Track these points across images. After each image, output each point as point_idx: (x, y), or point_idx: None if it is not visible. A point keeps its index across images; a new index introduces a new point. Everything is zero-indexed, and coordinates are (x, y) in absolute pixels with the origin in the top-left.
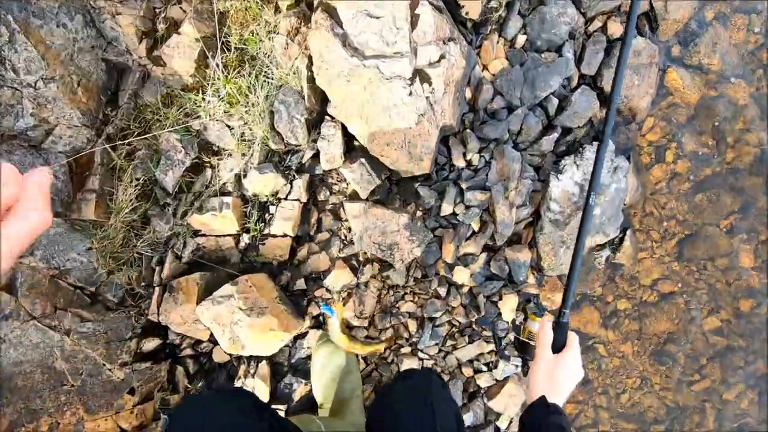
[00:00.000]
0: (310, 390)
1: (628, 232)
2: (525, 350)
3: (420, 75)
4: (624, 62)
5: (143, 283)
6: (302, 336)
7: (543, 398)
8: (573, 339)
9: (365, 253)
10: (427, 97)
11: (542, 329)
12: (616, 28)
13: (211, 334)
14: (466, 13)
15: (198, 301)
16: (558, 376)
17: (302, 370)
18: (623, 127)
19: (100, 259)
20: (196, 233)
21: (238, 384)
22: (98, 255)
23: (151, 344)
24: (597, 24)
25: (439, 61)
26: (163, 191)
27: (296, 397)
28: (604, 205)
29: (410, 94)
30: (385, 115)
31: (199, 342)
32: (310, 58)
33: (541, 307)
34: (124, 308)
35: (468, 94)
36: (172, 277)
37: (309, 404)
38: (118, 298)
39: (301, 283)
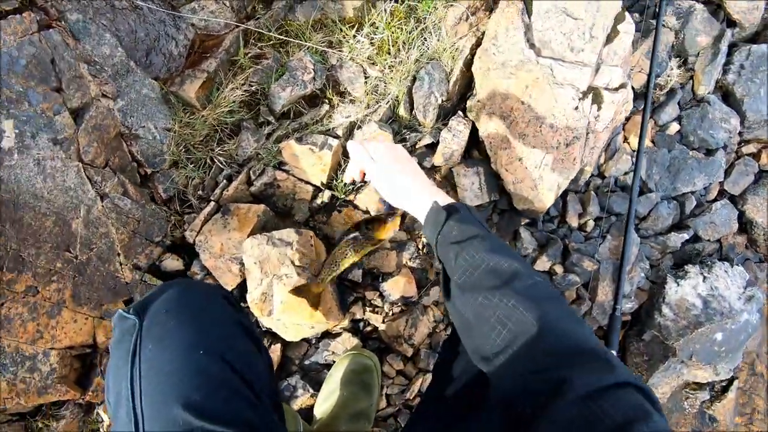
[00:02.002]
0: (313, 405)
1: (736, 383)
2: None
3: (594, 93)
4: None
5: (200, 193)
6: (332, 336)
7: (434, 205)
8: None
9: (438, 273)
10: (589, 122)
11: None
12: None
13: (239, 284)
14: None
15: (251, 234)
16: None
17: (312, 379)
18: (755, 263)
19: (174, 146)
20: (280, 165)
21: None
22: (174, 140)
23: (172, 263)
24: (751, 148)
25: (617, 89)
26: (268, 110)
27: (296, 405)
28: (728, 332)
29: (576, 108)
30: (536, 124)
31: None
32: (478, 40)
33: None
34: (167, 208)
35: (602, 158)
36: (233, 200)
37: (305, 419)
38: (168, 194)
39: (357, 275)
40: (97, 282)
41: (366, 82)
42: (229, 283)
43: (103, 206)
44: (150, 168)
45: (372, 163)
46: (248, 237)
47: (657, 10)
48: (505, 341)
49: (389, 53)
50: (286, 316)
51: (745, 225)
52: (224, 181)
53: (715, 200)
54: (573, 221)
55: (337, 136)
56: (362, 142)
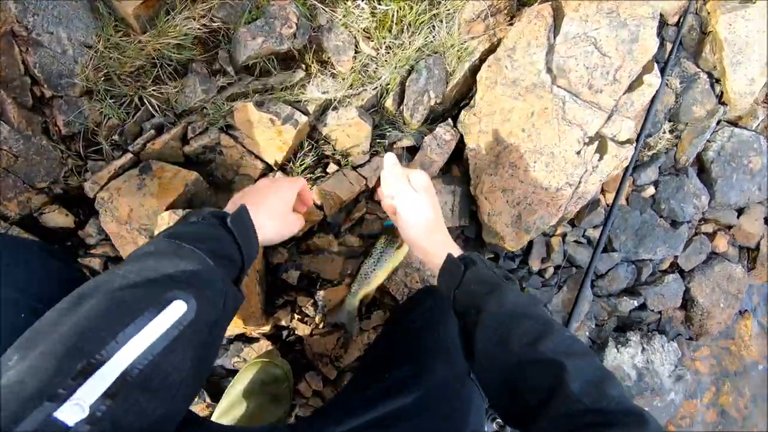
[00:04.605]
0: (208, 416)
1: None
2: None
3: (600, 142)
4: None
5: (115, 138)
6: (248, 341)
7: (449, 257)
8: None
9: (386, 291)
10: (586, 170)
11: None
12: (722, 243)
13: None
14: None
15: (171, 206)
16: (425, 213)
17: (212, 385)
18: (685, 339)
19: (91, 69)
20: (228, 128)
21: None
22: (93, 61)
23: (58, 218)
24: (708, 228)
25: (624, 143)
26: (228, 57)
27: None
28: (653, 409)
29: (578, 153)
30: (531, 158)
31: (118, 261)
32: (492, 45)
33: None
34: (65, 147)
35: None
36: (158, 157)
37: None
38: (71, 131)
39: (293, 276)
40: None
41: (355, 58)
42: None
43: None
44: (51, 90)
45: (410, 191)
46: (167, 209)
47: (663, 66)
48: (539, 400)
49: (390, 31)
50: None
51: (686, 302)
52: (152, 130)
53: (666, 272)
54: (535, 265)
55: (306, 112)
56: (402, 167)
